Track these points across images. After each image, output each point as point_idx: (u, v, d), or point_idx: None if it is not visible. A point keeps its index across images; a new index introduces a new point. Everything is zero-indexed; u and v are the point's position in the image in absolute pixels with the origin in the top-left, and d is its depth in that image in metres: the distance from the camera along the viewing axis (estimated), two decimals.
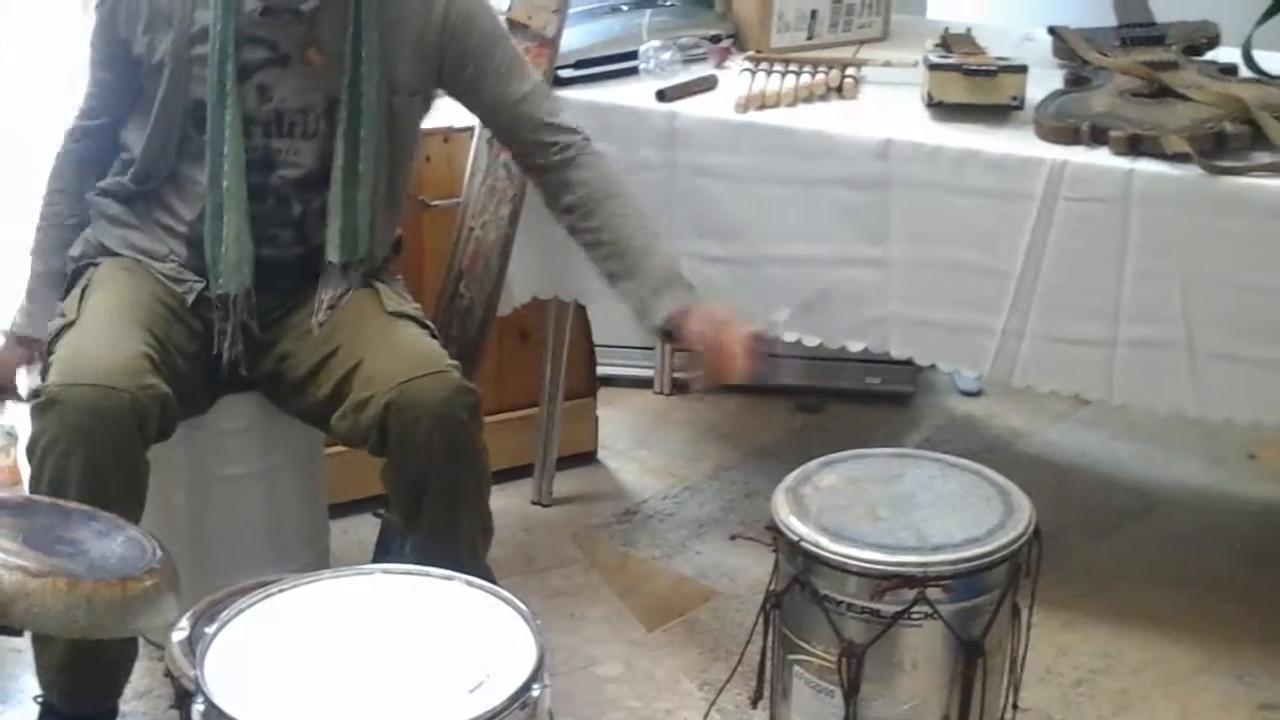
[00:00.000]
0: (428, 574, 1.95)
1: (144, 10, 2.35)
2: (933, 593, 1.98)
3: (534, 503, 3.25)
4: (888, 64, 2.92)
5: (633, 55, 2.91)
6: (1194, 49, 2.82)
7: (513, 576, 2.85)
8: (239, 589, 1.98)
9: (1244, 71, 2.77)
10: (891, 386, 3.70)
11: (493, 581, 2.40)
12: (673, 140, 2.75)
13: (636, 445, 3.54)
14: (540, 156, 2.50)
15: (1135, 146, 2.47)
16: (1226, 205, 2.40)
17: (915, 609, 1.98)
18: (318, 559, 2.66)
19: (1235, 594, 2.90)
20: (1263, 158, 2.43)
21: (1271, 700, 2.63)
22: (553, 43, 2.79)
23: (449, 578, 1.94)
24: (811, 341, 2.78)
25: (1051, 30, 2.98)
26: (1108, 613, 2.87)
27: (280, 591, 1.89)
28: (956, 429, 3.63)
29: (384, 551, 2.70)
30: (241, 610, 1.85)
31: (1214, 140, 2.44)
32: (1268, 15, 2.82)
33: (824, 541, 2.02)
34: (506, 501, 3.13)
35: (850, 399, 3.70)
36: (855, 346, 2.75)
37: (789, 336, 2.77)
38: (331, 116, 2.39)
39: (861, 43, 3.09)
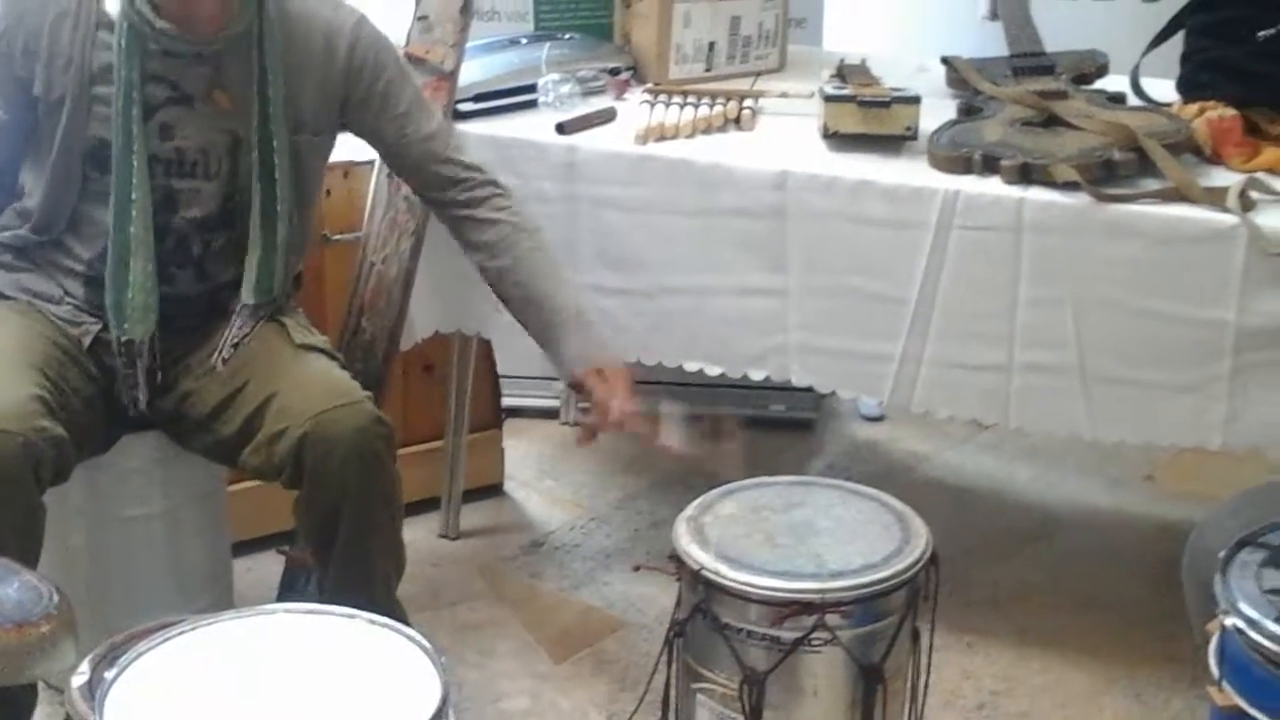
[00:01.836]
0: (330, 613, 1.94)
1: (43, 48, 2.33)
2: (832, 619, 2.00)
3: (441, 536, 3.25)
4: (784, 95, 2.95)
5: (532, 88, 2.92)
6: (1083, 78, 2.87)
7: (420, 611, 2.83)
8: (140, 631, 1.96)
9: (1132, 99, 2.82)
10: (795, 413, 3.73)
11: (404, 615, 2.43)
12: (572, 173, 2.76)
13: (543, 476, 3.54)
14: (447, 193, 2.51)
15: (1026, 175, 2.51)
16: (1115, 232, 2.45)
17: (815, 635, 2.00)
18: (220, 599, 2.64)
19: (1134, 614, 2.94)
20: (1150, 185, 2.48)
21: None
22: (451, 76, 2.80)
23: (351, 616, 1.92)
24: (714, 370, 2.80)
25: (945, 60, 3.02)
26: (1009, 635, 2.91)
27: (181, 633, 1.87)
28: (859, 454, 3.67)
29: (289, 589, 2.69)
30: (142, 653, 1.83)
31: (1102, 168, 2.49)
32: (1155, 44, 2.88)
33: (724, 570, 2.03)
34: (413, 535, 3.08)
35: (754, 426, 3.72)
36: (757, 375, 2.77)
37: (691, 366, 2.79)
38: (235, 156, 2.38)
39: (759, 74, 3.13)
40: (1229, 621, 1.73)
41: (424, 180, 2.52)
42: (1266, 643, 1.68)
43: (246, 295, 2.41)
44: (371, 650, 1.85)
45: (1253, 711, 1.71)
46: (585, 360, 2.41)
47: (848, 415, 3.85)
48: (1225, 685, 1.75)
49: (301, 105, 2.40)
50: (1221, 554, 1.82)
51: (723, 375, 2.81)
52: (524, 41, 3.08)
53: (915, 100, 2.69)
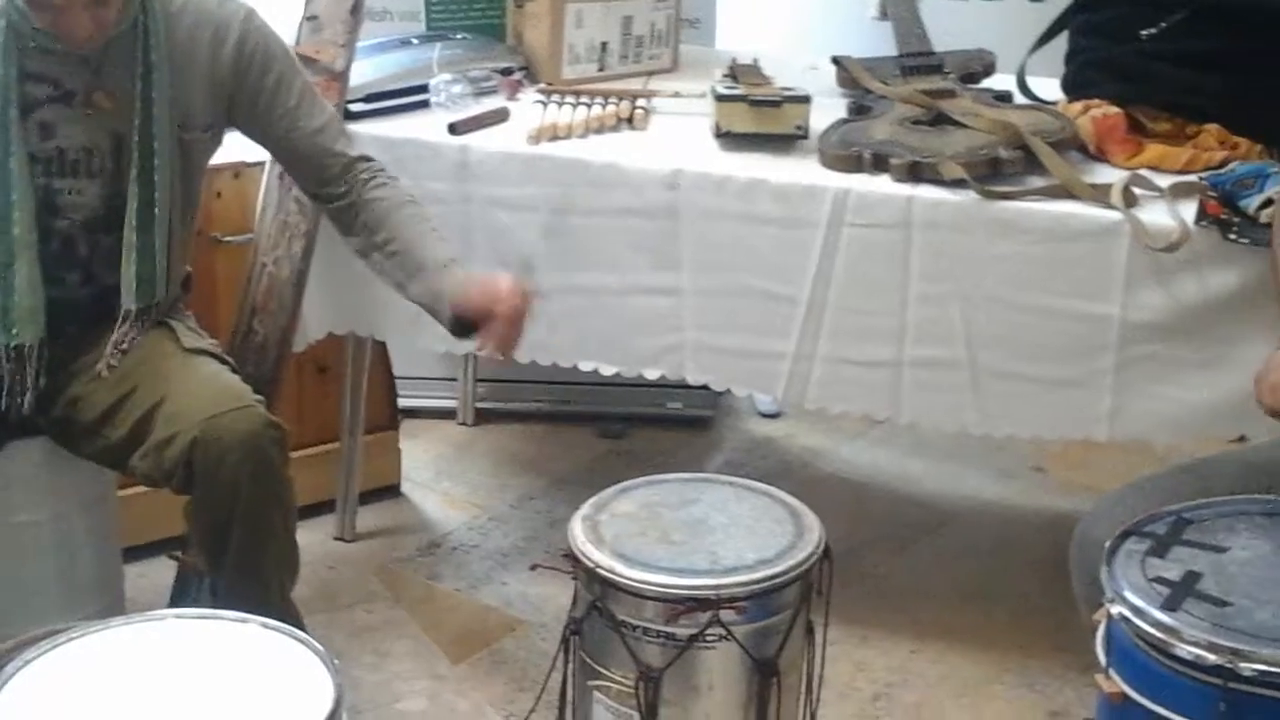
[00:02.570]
0: (222, 618, 1.92)
1: None
2: (726, 614, 2.01)
3: (337, 538, 3.23)
4: (677, 95, 2.97)
5: (424, 89, 2.91)
6: (970, 77, 2.91)
7: (316, 614, 2.81)
8: (27, 639, 1.93)
9: (1019, 98, 2.87)
10: (692, 410, 3.74)
11: (299, 618, 2.41)
12: (465, 173, 2.76)
13: (440, 477, 3.53)
14: (335, 187, 2.49)
15: (915, 173, 2.54)
16: (1002, 229, 2.48)
17: (709, 631, 2.01)
18: (112, 605, 2.60)
19: (1025, 605, 2.99)
20: (1036, 182, 2.52)
21: (1061, 708, 2.72)
22: (342, 76, 2.78)
23: (244, 620, 1.90)
24: (609, 370, 2.81)
25: (835, 60, 3.05)
26: (904, 627, 2.94)
27: (70, 640, 1.84)
28: (756, 451, 3.69)
29: (182, 595, 2.66)
30: (29, 661, 1.80)
31: (989, 166, 2.52)
32: (1040, 43, 2.93)
33: (619, 567, 2.04)
34: (309, 538, 3.06)
35: (652, 424, 3.74)
36: (652, 374, 2.79)
37: (586, 365, 2.80)
38: (118, 156, 2.35)
39: (651, 74, 3.14)
40: (1115, 610, 1.76)
41: (313, 174, 2.50)
42: (1151, 630, 1.71)
43: (127, 299, 2.38)
44: (264, 655, 1.84)
45: (1138, 698, 1.74)
46: (463, 286, 2.38)
47: (745, 412, 3.87)
48: (1112, 672, 1.78)
49: (189, 102, 2.38)
50: (1107, 544, 1.85)
51: (618, 374, 2.82)
52: (415, 42, 3.07)
53: (806, 99, 2.71)
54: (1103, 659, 1.80)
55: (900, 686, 2.78)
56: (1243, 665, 1.63)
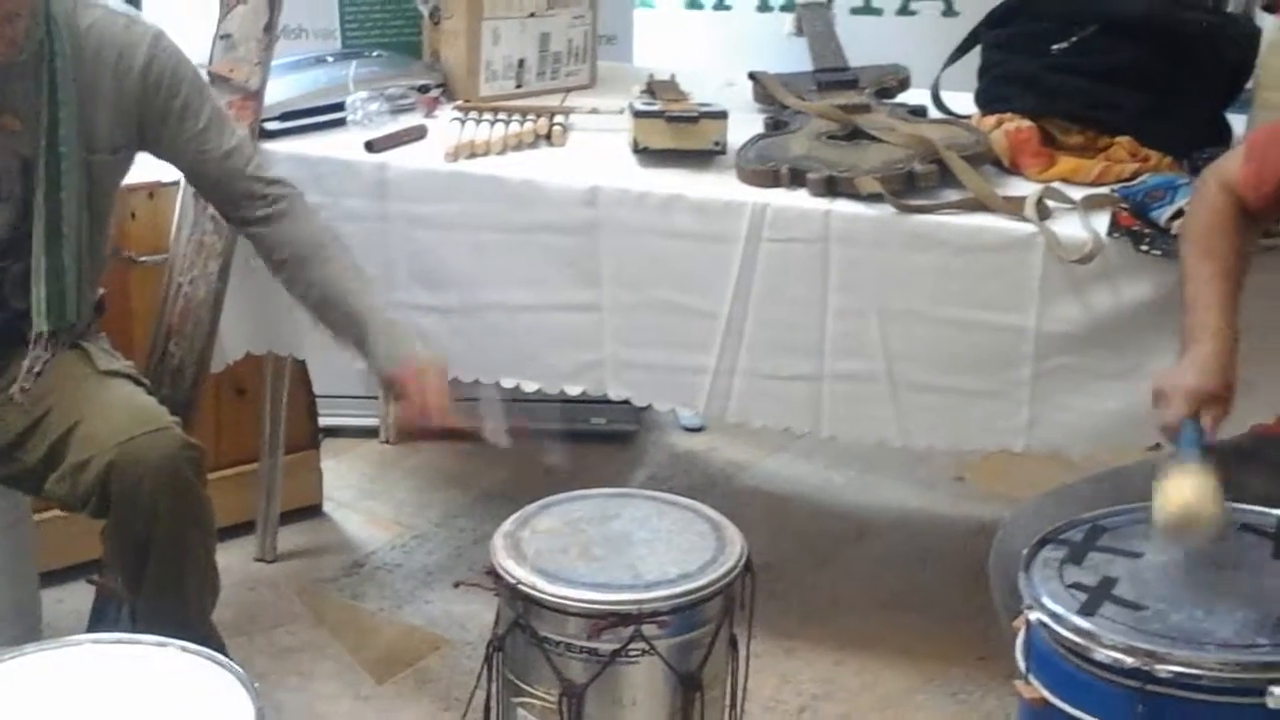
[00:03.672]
0: (140, 642, 1.90)
1: None
2: (648, 629, 2.01)
3: (258, 560, 3.20)
4: (595, 111, 2.97)
5: (340, 106, 2.90)
6: (885, 91, 2.93)
7: (237, 637, 2.79)
8: None
9: (933, 112, 2.89)
10: (615, 426, 3.74)
11: (220, 641, 2.40)
12: (383, 191, 2.75)
13: (363, 496, 3.52)
14: (249, 210, 2.48)
15: (832, 188, 2.56)
16: (918, 242, 2.50)
17: (632, 646, 2.01)
18: (28, 631, 2.58)
19: (948, 614, 3.01)
20: (951, 196, 2.54)
21: (983, 716, 2.75)
22: (257, 95, 2.77)
23: (163, 644, 1.89)
24: (529, 386, 2.80)
25: (752, 76, 3.06)
26: (828, 639, 2.95)
27: None
28: (679, 465, 3.70)
29: (100, 620, 2.63)
30: None
31: (904, 180, 2.54)
32: (954, 58, 2.95)
33: (541, 583, 2.04)
34: (229, 560, 3.04)
35: (575, 440, 3.71)
36: (573, 390, 2.79)
37: (508, 383, 2.80)
38: (27, 179, 2.32)
39: (569, 90, 3.14)
40: (1033, 616, 1.78)
41: (226, 197, 2.49)
42: (1069, 635, 1.72)
43: (38, 322, 2.35)
44: (184, 679, 1.82)
45: (1058, 703, 1.75)
46: (397, 358, 2.39)
47: (668, 427, 3.87)
48: (1032, 678, 1.80)
49: (96, 124, 2.35)
50: (1024, 552, 1.87)
51: (540, 390, 2.82)
52: (331, 59, 3.06)
53: (723, 115, 2.72)
54: (1022, 665, 1.82)
55: (825, 698, 2.80)
56: (1159, 667, 1.65)
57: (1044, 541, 1.89)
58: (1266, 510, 1.93)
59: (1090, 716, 1.71)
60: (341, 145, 2.82)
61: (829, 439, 2.72)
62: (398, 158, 2.78)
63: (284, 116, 2.86)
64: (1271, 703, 1.60)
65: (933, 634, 2.96)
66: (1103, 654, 1.69)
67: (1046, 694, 1.77)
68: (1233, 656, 1.65)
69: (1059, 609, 1.75)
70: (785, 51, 3.23)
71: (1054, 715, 1.76)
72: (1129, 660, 1.66)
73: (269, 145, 2.79)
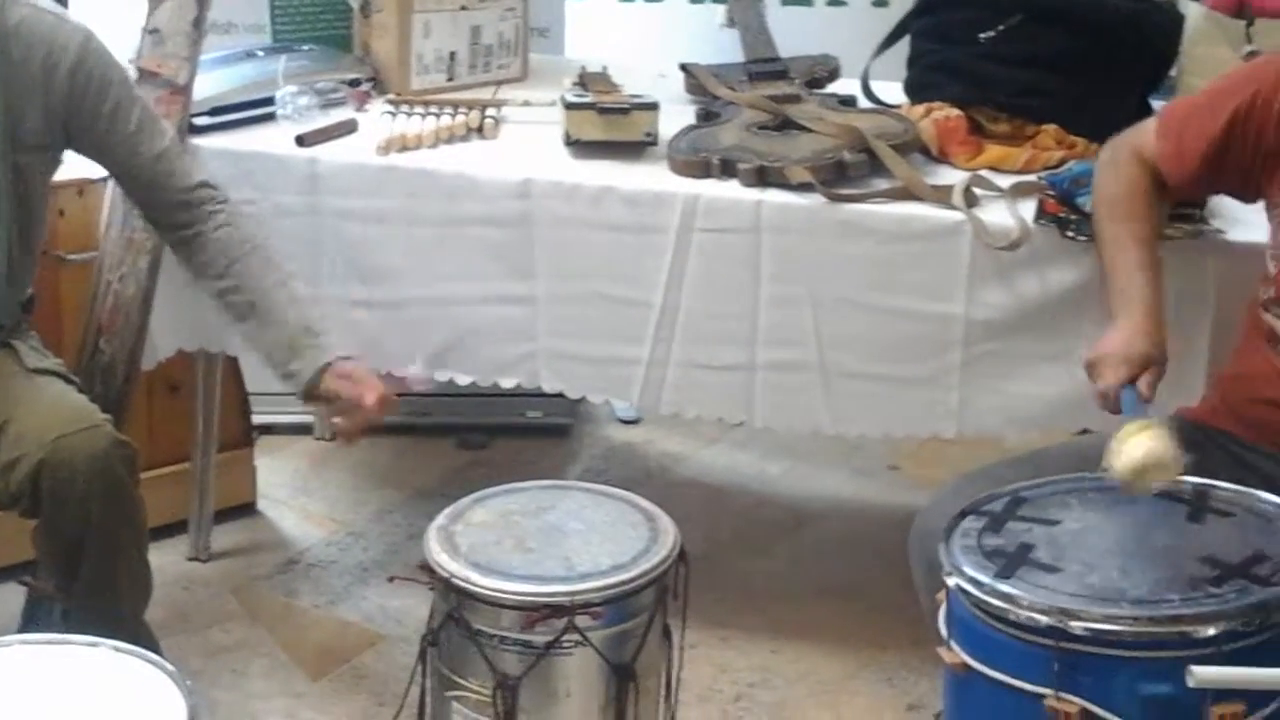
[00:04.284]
0: (71, 642, 1.89)
1: None
2: (582, 620, 2.01)
3: (191, 559, 3.18)
4: (527, 104, 2.97)
5: (270, 101, 2.88)
6: (816, 82, 2.94)
7: (171, 636, 2.76)
8: None
9: (863, 102, 2.91)
10: (551, 419, 3.74)
11: (153, 641, 2.38)
12: (314, 185, 2.74)
13: (297, 493, 3.50)
14: (175, 216, 2.45)
15: (762, 178, 2.57)
16: (848, 231, 2.52)
17: (565, 637, 2.01)
18: None
19: (882, 601, 3.02)
20: (880, 185, 2.56)
21: (917, 700, 2.76)
22: (185, 90, 2.74)
23: (95, 644, 1.87)
24: (464, 380, 2.80)
25: (683, 67, 3.07)
26: (764, 628, 2.97)
27: None
28: (616, 457, 3.70)
29: (32, 621, 2.60)
30: None
31: (834, 169, 2.56)
32: (882, 48, 2.97)
33: (474, 577, 2.04)
34: (163, 559, 3.03)
35: (512, 433, 3.73)
36: (507, 382, 2.78)
37: (441, 376, 2.79)
38: None
39: (501, 83, 3.13)
40: (953, 582, 1.80)
41: (153, 201, 2.46)
42: (987, 598, 1.75)
43: None
44: (116, 679, 1.81)
45: (979, 666, 1.78)
46: (321, 369, 2.38)
47: (604, 419, 3.87)
48: (953, 644, 1.82)
49: (23, 122, 2.33)
50: (945, 524, 1.89)
51: (474, 384, 2.81)
52: (261, 54, 3.04)
53: (654, 106, 2.73)
54: (944, 632, 1.84)
55: (761, 686, 2.81)
56: (1073, 624, 1.68)
57: (965, 513, 1.92)
58: (1182, 478, 1.95)
59: (1009, 677, 1.74)
60: (271, 140, 2.81)
61: (764, 429, 2.73)
62: (328, 152, 2.77)
63: (213, 112, 2.84)
64: (1191, 681, 1.62)
65: (868, 620, 2.98)
66: (1019, 614, 1.72)
67: (967, 658, 1.80)
68: (1145, 612, 1.68)
69: (977, 574, 1.78)
70: (717, 43, 3.24)
71: (975, 679, 1.78)
72: (1044, 619, 1.69)
73: (198, 141, 2.77)
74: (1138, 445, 1.89)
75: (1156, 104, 2.76)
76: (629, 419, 3.85)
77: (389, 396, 2.37)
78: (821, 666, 2.86)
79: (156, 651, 1.90)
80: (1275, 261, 2.13)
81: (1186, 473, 1.93)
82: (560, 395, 2.84)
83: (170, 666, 1.81)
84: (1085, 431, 2.52)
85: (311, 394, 2.40)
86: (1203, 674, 1.61)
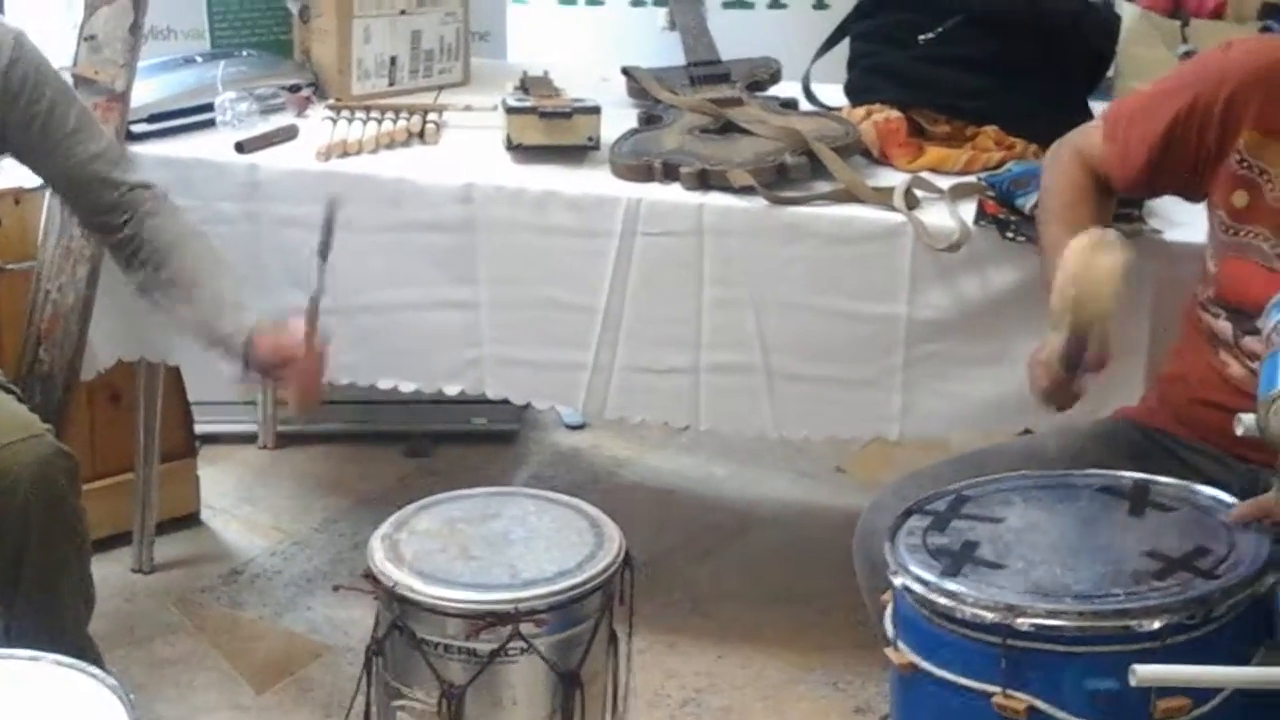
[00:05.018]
0: (12, 656, 1.87)
1: None
2: (527, 627, 2.01)
3: (135, 570, 3.15)
4: (468, 108, 2.96)
5: (209, 107, 2.86)
6: (757, 85, 2.95)
7: (115, 649, 2.75)
8: None
9: (804, 104, 2.92)
10: (498, 425, 3.73)
11: (96, 654, 2.36)
12: (254, 192, 2.72)
13: (241, 503, 3.47)
14: (115, 216, 2.44)
15: (704, 181, 2.57)
16: (790, 234, 2.52)
17: (511, 645, 2.00)
18: None
19: (829, 605, 3.03)
20: (822, 187, 2.57)
21: (864, 704, 2.77)
22: (123, 97, 2.72)
23: (36, 658, 1.85)
24: (408, 387, 2.79)
25: (625, 71, 3.07)
26: (711, 632, 2.97)
27: None
28: (563, 463, 3.69)
29: None
30: None
31: (776, 172, 2.56)
32: (823, 50, 2.98)
33: (418, 585, 2.03)
34: (105, 571, 3.01)
35: (457, 440, 3.71)
36: (451, 390, 2.77)
37: (384, 384, 2.78)
38: None
39: (442, 88, 3.12)
40: (899, 581, 1.81)
41: (91, 203, 2.44)
42: (933, 597, 1.75)
43: None
44: (58, 693, 1.79)
45: (926, 665, 1.78)
46: (255, 336, 2.35)
47: (551, 425, 3.87)
48: (900, 644, 1.82)
49: None
50: (888, 524, 1.89)
51: (419, 391, 2.80)
52: (200, 60, 3.01)
53: (595, 110, 2.73)
54: (891, 633, 1.84)
55: (708, 691, 2.81)
56: (1019, 621, 1.68)
57: (909, 513, 1.92)
58: (1123, 473, 1.98)
59: (957, 676, 1.74)
60: (211, 147, 2.79)
61: (711, 433, 2.73)
62: (268, 158, 2.75)
63: (152, 118, 2.82)
64: (1134, 680, 1.63)
65: (814, 624, 2.99)
66: (966, 612, 1.72)
67: (914, 658, 1.80)
68: (1090, 607, 1.69)
69: (923, 573, 1.78)
70: (659, 46, 3.24)
71: (923, 679, 1.78)
72: (990, 616, 1.70)
73: (136, 148, 2.75)
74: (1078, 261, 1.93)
75: (1095, 105, 2.78)
76: (575, 424, 3.84)
77: (316, 352, 2.34)
78: (768, 670, 2.86)
79: (100, 665, 1.89)
80: (1214, 261, 2.15)
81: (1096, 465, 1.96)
82: (506, 401, 2.83)
83: (113, 680, 1.80)
84: (1027, 432, 2.53)
85: (247, 359, 2.36)
86: (1145, 672, 1.63)
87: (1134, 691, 1.64)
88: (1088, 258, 1.93)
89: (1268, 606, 1.66)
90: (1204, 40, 2.62)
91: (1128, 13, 2.79)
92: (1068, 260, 1.94)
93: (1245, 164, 2.08)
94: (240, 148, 2.75)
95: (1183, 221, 2.42)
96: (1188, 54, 2.61)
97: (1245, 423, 1.70)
